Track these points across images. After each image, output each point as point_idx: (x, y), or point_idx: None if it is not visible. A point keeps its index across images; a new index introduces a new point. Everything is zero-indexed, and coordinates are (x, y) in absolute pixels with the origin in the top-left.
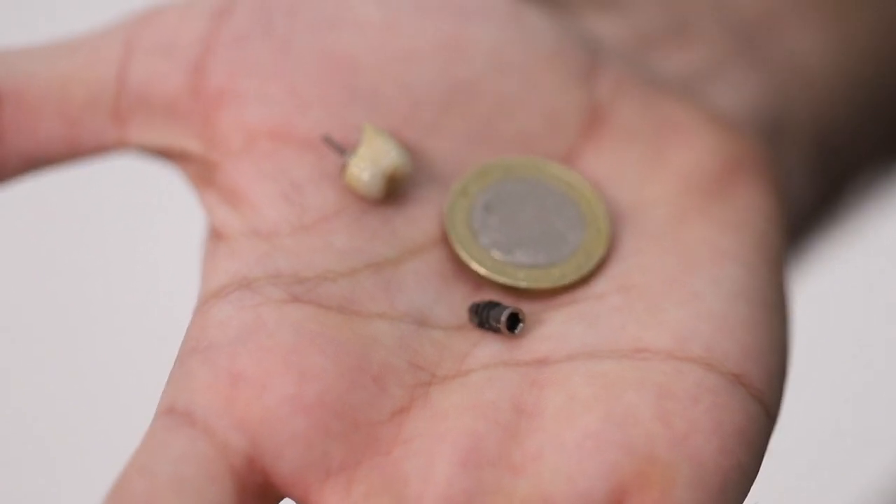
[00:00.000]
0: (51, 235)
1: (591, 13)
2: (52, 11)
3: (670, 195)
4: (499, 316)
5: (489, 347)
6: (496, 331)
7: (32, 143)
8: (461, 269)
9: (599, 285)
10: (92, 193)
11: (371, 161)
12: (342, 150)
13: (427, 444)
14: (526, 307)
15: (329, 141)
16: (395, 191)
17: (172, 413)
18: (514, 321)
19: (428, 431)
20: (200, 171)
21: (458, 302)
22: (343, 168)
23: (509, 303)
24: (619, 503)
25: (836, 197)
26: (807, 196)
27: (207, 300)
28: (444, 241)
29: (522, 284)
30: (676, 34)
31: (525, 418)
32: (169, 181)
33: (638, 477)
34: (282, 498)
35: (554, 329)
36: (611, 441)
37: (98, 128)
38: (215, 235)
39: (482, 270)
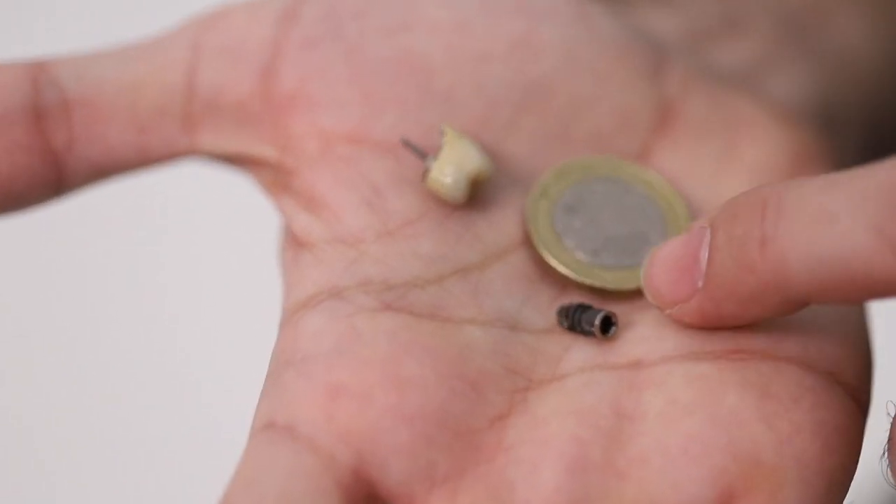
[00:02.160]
0: (80, 241)
1: (647, 8)
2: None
3: (736, 190)
4: (592, 319)
5: (582, 351)
6: (588, 334)
7: (103, 151)
8: (546, 271)
9: None
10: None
11: (455, 165)
12: (423, 153)
13: (531, 451)
14: (613, 309)
15: (409, 144)
16: (476, 194)
17: (273, 428)
18: (607, 324)
19: (530, 438)
20: (275, 177)
21: (545, 305)
22: (425, 172)
23: (596, 305)
24: None
25: None
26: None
27: (296, 311)
28: (527, 243)
29: (610, 286)
30: (730, 27)
31: (626, 422)
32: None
33: (744, 480)
34: None
35: (645, 331)
36: (716, 445)
37: (168, 134)
38: (296, 243)
39: (569, 273)
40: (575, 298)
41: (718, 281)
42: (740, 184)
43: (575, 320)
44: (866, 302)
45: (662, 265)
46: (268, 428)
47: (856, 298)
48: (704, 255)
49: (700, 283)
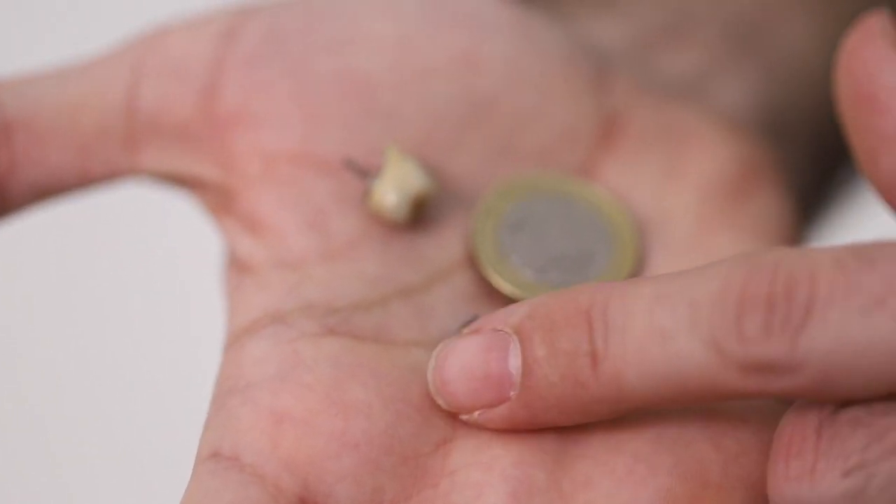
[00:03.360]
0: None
1: (589, 16)
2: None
3: (691, 204)
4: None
5: None
6: None
7: (44, 172)
8: (491, 291)
9: None
10: (97, 213)
11: (397, 185)
12: (365, 174)
13: (475, 475)
14: None
15: (351, 165)
16: (419, 214)
17: (218, 457)
18: None
19: (475, 461)
20: (218, 198)
21: None
22: (367, 193)
23: None
24: None
25: (830, 186)
26: (807, 186)
27: (240, 336)
28: (472, 263)
29: None
30: (676, 33)
31: (571, 444)
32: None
33: (692, 501)
34: None
35: None
36: (662, 465)
37: (110, 155)
38: (239, 266)
39: (515, 292)
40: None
41: (540, 394)
42: (687, 197)
43: None
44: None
45: (458, 372)
46: (213, 457)
47: (699, 404)
48: (514, 364)
49: (512, 394)
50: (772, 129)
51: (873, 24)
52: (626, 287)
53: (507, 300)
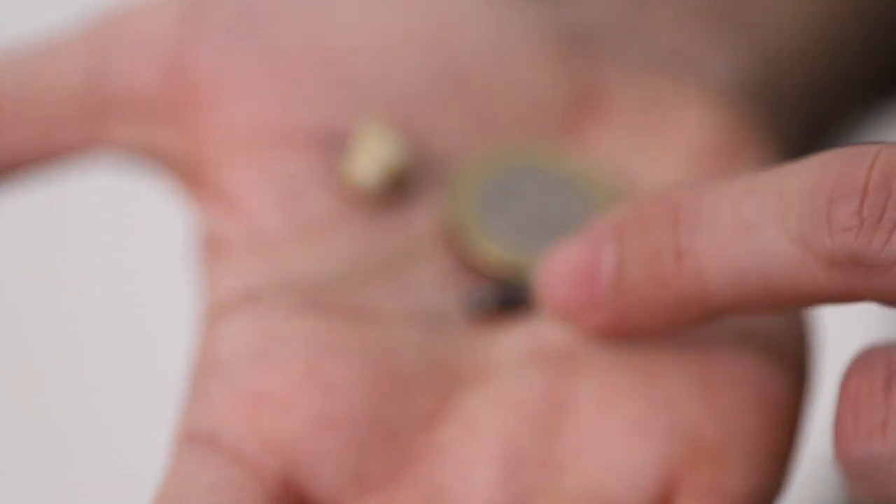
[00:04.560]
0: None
1: None
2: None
3: (678, 170)
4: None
5: (511, 341)
6: (523, 301)
7: (6, 149)
8: (469, 264)
9: None
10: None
11: (372, 157)
12: (339, 146)
13: (464, 451)
14: None
15: (325, 137)
16: (395, 187)
17: (195, 439)
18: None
19: (462, 437)
20: (188, 173)
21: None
22: (341, 166)
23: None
24: (670, 489)
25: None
26: (797, 153)
27: (215, 315)
28: (451, 235)
29: (535, 276)
30: (656, 10)
31: (561, 412)
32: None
33: (686, 461)
34: None
35: None
36: (655, 426)
37: (74, 133)
38: (212, 244)
39: (492, 262)
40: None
41: (630, 294)
42: (674, 163)
43: (509, 293)
44: (790, 311)
45: (560, 274)
46: (190, 439)
47: (780, 309)
48: (609, 264)
49: (607, 295)
50: (758, 94)
51: None
52: (718, 183)
53: (488, 270)
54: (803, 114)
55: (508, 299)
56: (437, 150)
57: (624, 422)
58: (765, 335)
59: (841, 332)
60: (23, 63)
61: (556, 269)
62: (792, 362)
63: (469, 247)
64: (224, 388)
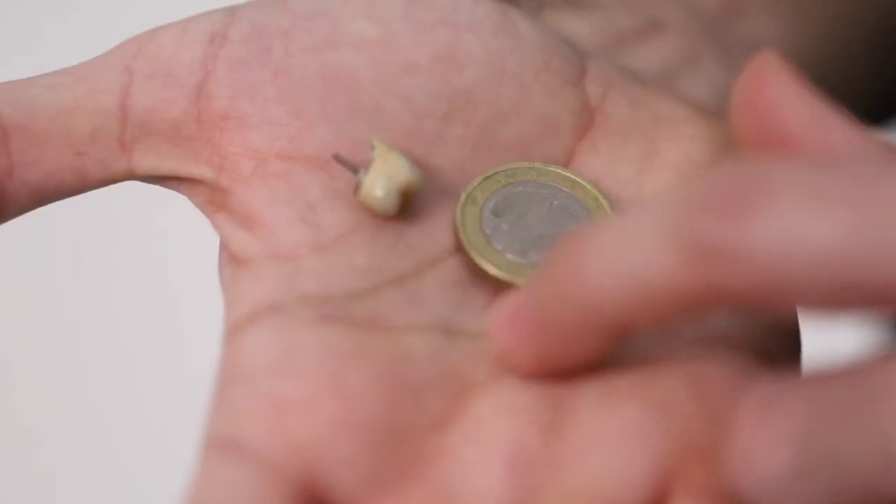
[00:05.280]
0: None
1: (562, 14)
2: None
3: (668, 187)
4: None
5: None
6: None
7: (41, 175)
8: (478, 275)
9: None
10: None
11: (385, 178)
12: (354, 168)
13: (473, 452)
14: None
15: (340, 159)
16: (407, 205)
17: (222, 446)
18: None
19: (471, 439)
20: (211, 196)
21: (479, 309)
22: (356, 186)
23: None
24: (666, 488)
25: None
26: None
27: (238, 327)
28: (459, 250)
29: None
30: (647, 30)
31: (563, 414)
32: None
33: (683, 461)
34: None
35: None
36: (653, 428)
37: (105, 157)
38: (234, 261)
39: (500, 274)
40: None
41: (543, 316)
42: (664, 180)
43: None
44: (691, 318)
45: (502, 315)
46: (216, 446)
47: (672, 316)
48: (531, 299)
49: (528, 329)
50: None
51: (767, 62)
52: (596, 226)
53: (495, 282)
54: None
55: None
56: (447, 168)
57: (622, 424)
58: (752, 339)
59: (825, 335)
60: (54, 87)
61: (501, 312)
62: (781, 366)
63: (476, 263)
64: (248, 396)
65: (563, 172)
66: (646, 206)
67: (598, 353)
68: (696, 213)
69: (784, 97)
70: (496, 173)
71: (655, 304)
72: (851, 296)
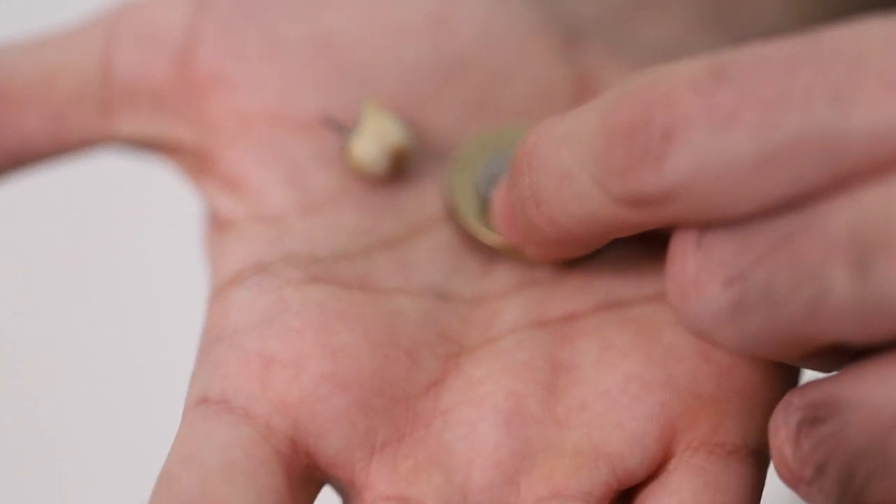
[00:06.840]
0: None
1: None
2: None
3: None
4: None
5: (513, 313)
6: None
7: (18, 138)
8: (471, 241)
9: (614, 242)
10: (81, 191)
11: (376, 139)
12: (342, 129)
13: (467, 412)
14: (540, 270)
15: (329, 121)
16: (398, 168)
17: (207, 402)
18: None
19: (466, 399)
20: (195, 161)
21: (472, 275)
22: (345, 148)
23: (524, 269)
24: (671, 442)
25: None
26: None
27: (224, 288)
28: (451, 215)
29: None
30: (648, 6)
31: (563, 373)
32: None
33: (686, 414)
34: (327, 480)
35: (575, 285)
36: (655, 381)
37: (85, 121)
38: (219, 224)
39: (494, 241)
40: (502, 266)
41: (520, 217)
42: None
43: None
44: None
45: (496, 211)
46: (202, 402)
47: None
48: (511, 207)
49: (522, 234)
50: None
51: None
52: (549, 127)
53: (486, 249)
54: None
55: None
56: (439, 132)
57: (623, 378)
58: None
59: None
60: (35, 50)
61: (496, 213)
62: None
63: (466, 226)
64: (234, 353)
65: None
66: (576, 135)
67: (592, 245)
68: (617, 157)
69: None
70: (490, 137)
71: (609, 230)
72: (777, 194)
